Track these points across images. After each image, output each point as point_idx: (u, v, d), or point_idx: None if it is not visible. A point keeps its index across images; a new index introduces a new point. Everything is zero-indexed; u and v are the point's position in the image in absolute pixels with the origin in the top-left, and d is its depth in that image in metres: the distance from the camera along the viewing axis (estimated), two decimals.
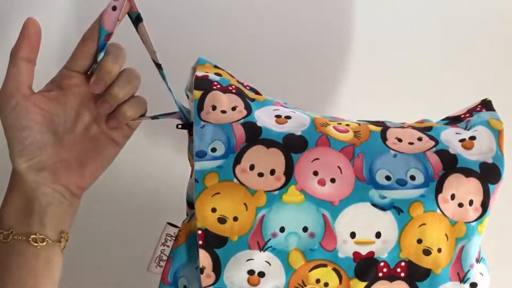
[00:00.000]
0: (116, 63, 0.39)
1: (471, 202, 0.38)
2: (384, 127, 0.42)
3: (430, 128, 0.42)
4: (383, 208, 0.38)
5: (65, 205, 0.41)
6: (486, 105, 0.44)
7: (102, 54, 0.39)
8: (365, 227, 0.38)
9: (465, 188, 0.38)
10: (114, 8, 0.39)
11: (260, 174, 0.38)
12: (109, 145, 0.43)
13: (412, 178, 0.38)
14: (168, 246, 0.41)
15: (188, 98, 0.44)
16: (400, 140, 0.40)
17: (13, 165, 0.40)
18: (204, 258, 0.38)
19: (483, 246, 0.41)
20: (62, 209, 0.41)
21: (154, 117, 0.43)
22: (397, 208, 0.38)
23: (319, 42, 0.60)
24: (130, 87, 0.41)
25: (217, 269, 0.38)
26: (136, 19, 0.41)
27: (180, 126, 0.44)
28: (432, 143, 0.40)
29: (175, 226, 0.42)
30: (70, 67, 0.41)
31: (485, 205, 0.38)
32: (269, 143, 0.39)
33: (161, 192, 0.60)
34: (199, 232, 0.38)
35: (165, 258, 0.41)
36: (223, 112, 0.40)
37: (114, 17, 0.39)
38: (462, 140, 0.40)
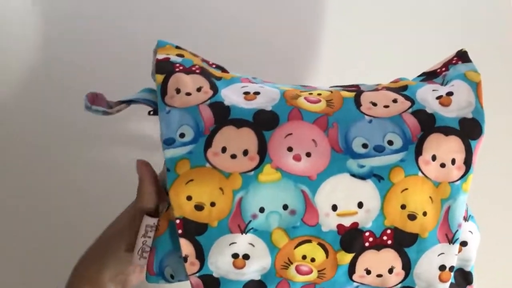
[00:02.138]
0: None
1: (453, 161, 0.37)
2: (357, 92, 0.40)
3: (405, 87, 0.41)
4: (362, 177, 0.36)
5: None
6: (462, 56, 0.42)
7: None
8: (346, 199, 0.37)
9: (445, 147, 0.37)
10: None
11: (233, 156, 0.37)
12: None
13: (390, 143, 0.37)
14: (150, 237, 0.40)
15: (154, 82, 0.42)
16: (374, 104, 0.39)
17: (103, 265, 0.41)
18: (186, 247, 0.37)
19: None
20: None
21: (130, 102, 0.41)
22: (377, 176, 0.36)
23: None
24: None
25: (201, 256, 0.38)
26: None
27: (151, 113, 0.42)
28: (408, 103, 0.39)
29: (154, 216, 0.41)
30: None
31: (468, 163, 0.37)
32: (239, 123, 0.37)
33: None
34: (177, 221, 0.37)
35: (148, 249, 0.40)
36: (188, 94, 0.38)
37: None
38: (439, 97, 0.39)
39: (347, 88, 0.43)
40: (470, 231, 0.40)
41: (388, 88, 0.41)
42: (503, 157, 0.61)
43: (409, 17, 0.63)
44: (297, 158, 0.37)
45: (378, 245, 0.37)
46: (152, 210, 0.41)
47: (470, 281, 0.40)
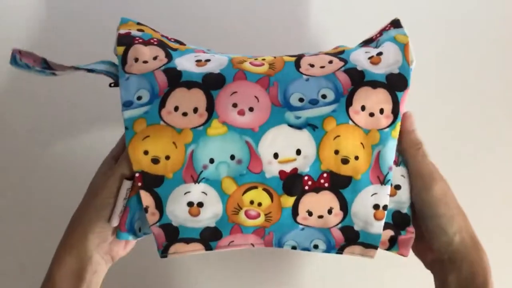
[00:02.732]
0: None
1: (381, 111, 0.42)
2: (298, 56, 0.45)
3: (342, 52, 0.45)
4: (299, 127, 0.41)
5: (102, 273, 0.44)
6: (395, 23, 0.47)
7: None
8: (285, 147, 0.41)
9: (374, 99, 0.41)
10: None
11: (184, 114, 0.41)
12: None
13: (324, 96, 0.41)
14: (127, 199, 0.44)
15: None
16: (312, 65, 0.43)
17: (86, 230, 0.43)
18: (146, 198, 0.42)
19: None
20: (100, 279, 0.44)
21: (90, 70, 0.45)
22: (311, 125, 0.41)
23: None
24: None
25: (159, 206, 0.42)
26: None
27: (112, 85, 0.47)
28: (342, 63, 0.43)
29: (132, 179, 0.45)
30: None
31: (395, 112, 0.42)
32: (190, 84, 0.42)
33: None
34: (137, 175, 0.41)
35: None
36: (145, 62, 0.43)
37: None
38: (370, 57, 0.43)
39: (290, 55, 0.47)
40: (402, 175, 0.44)
41: (327, 53, 0.46)
42: (504, 157, 0.63)
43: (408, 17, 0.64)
44: (241, 112, 0.41)
45: (317, 188, 0.42)
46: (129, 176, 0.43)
47: (407, 222, 0.44)
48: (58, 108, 0.60)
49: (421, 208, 0.43)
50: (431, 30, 0.62)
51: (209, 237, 0.43)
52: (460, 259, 0.42)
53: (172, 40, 0.48)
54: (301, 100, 0.41)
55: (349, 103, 0.41)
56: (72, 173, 0.59)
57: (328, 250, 0.44)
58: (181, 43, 0.48)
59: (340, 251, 0.44)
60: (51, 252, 0.43)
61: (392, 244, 0.44)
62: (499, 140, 0.62)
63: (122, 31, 0.45)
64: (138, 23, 0.47)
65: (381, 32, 0.47)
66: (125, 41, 0.44)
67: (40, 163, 0.60)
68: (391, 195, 0.43)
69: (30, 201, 0.60)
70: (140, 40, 0.44)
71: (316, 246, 0.44)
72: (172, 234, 0.43)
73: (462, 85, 0.62)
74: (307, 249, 0.44)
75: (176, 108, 0.41)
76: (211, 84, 0.42)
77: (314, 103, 0.41)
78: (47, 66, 0.42)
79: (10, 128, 0.60)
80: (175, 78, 0.42)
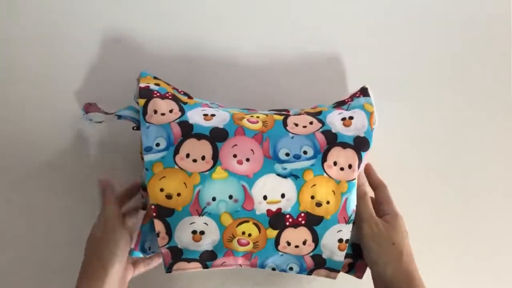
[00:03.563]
0: None
1: (350, 166, 0.53)
2: (286, 116, 0.56)
3: (320, 113, 0.56)
4: (284, 176, 0.52)
5: None
6: (363, 92, 0.58)
7: None
8: (273, 191, 0.52)
9: (344, 157, 0.53)
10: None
11: (194, 160, 0.51)
12: None
13: (305, 152, 0.53)
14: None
15: (137, 104, 0.56)
16: (296, 125, 0.54)
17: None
18: (158, 225, 0.52)
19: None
20: None
21: (119, 117, 0.55)
22: (294, 175, 0.52)
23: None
24: None
25: (169, 232, 0.52)
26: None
27: (135, 128, 0.56)
28: (320, 125, 0.54)
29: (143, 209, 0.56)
30: None
31: (360, 166, 0.53)
32: (200, 136, 0.52)
33: None
34: (152, 207, 0.51)
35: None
36: (163, 114, 0.53)
37: None
38: (343, 119, 0.55)
39: (280, 111, 0.58)
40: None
41: (308, 113, 0.57)
42: (504, 157, 0.67)
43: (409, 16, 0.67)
44: (240, 162, 0.52)
45: (295, 224, 0.53)
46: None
47: (360, 255, 0.56)
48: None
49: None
50: (431, 30, 0.68)
51: (207, 258, 0.54)
52: None
53: (182, 92, 0.58)
54: (287, 154, 0.52)
55: (324, 159, 0.52)
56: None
57: (300, 272, 0.56)
58: (188, 96, 0.58)
59: (310, 273, 0.56)
60: None
61: (350, 268, 0.56)
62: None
63: (142, 85, 0.55)
64: (155, 77, 0.57)
65: (352, 97, 0.58)
66: (145, 94, 0.54)
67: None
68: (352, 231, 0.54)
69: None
70: (158, 94, 0.54)
71: (291, 268, 0.55)
72: (177, 255, 0.53)
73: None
74: (284, 271, 0.56)
75: (187, 155, 0.51)
76: (217, 137, 0.52)
77: (297, 157, 0.52)
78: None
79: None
80: (188, 130, 0.52)
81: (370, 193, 0.57)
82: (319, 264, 0.55)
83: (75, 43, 0.65)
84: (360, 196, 0.54)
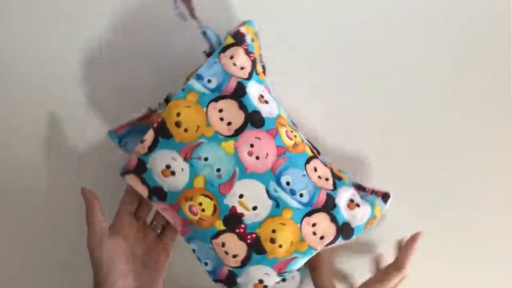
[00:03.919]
0: None
1: (322, 237, 0.53)
2: (314, 155, 0.55)
3: (340, 179, 0.56)
4: (270, 196, 0.52)
5: None
6: (384, 196, 0.58)
7: None
8: (251, 198, 0.52)
9: (325, 226, 0.53)
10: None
11: (221, 119, 0.51)
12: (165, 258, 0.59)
13: (301, 195, 0.52)
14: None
15: (224, 39, 0.56)
16: (315, 169, 0.54)
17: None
18: (150, 136, 0.52)
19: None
20: None
21: (204, 33, 0.55)
22: (277, 202, 0.52)
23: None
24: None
25: (151, 148, 0.52)
26: None
27: (205, 52, 0.56)
28: (331, 188, 0.54)
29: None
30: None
31: (329, 244, 0.53)
32: (242, 106, 0.52)
33: None
34: (159, 119, 0.52)
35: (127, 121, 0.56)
36: (234, 65, 0.53)
37: None
38: (351, 200, 0.55)
39: (312, 148, 0.58)
40: (293, 277, 0.56)
41: (332, 170, 0.57)
42: (505, 157, 0.66)
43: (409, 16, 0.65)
44: (250, 154, 0.51)
45: (241, 236, 0.53)
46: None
47: None
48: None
49: None
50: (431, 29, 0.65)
51: (157, 194, 0.54)
52: None
53: (262, 63, 0.58)
54: (287, 183, 0.52)
55: (309, 214, 0.52)
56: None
57: (209, 273, 0.56)
58: (264, 70, 0.58)
59: (215, 280, 0.56)
60: None
61: None
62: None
63: (242, 30, 0.55)
64: (255, 33, 0.57)
65: (371, 192, 0.58)
66: (238, 38, 0.54)
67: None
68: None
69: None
70: (245, 47, 0.54)
71: (206, 264, 0.55)
72: (140, 170, 0.53)
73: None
74: (199, 259, 0.56)
75: (220, 110, 0.51)
76: (253, 120, 0.52)
77: (292, 193, 0.52)
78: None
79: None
80: (239, 94, 0.52)
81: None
82: (230, 283, 0.55)
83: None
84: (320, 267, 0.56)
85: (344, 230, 0.53)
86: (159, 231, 0.59)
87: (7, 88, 0.64)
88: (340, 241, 0.54)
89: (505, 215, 0.66)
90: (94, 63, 0.63)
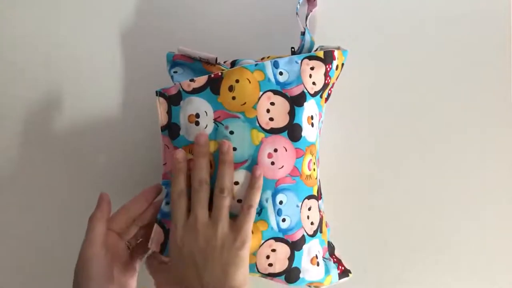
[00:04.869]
0: None
1: (270, 264, 0.52)
2: (316, 197, 0.55)
3: (321, 232, 0.57)
4: (259, 202, 0.52)
5: None
6: (344, 272, 0.58)
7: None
8: (242, 190, 0.51)
9: (280, 257, 0.52)
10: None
11: (268, 110, 0.51)
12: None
13: (284, 220, 0.52)
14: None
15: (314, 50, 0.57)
16: (309, 209, 0.54)
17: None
18: (201, 80, 0.53)
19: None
20: None
21: (303, 33, 0.55)
22: (261, 211, 0.52)
23: None
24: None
25: (195, 91, 0.53)
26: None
27: (293, 49, 0.57)
28: (311, 233, 0.55)
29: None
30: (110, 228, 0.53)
31: (269, 275, 0.53)
32: (291, 113, 0.52)
33: None
34: (219, 73, 0.52)
35: None
36: (310, 76, 0.53)
37: None
38: (316, 256, 0.55)
39: (319, 190, 0.58)
40: None
41: (321, 219, 0.57)
42: (505, 157, 0.66)
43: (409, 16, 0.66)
44: (269, 156, 0.51)
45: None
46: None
47: None
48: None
49: None
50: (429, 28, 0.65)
51: (171, 130, 0.54)
52: None
53: (330, 92, 0.58)
54: (280, 202, 0.52)
55: (276, 239, 0.52)
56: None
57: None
58: (327, 98, 0.59)
59: None
60: None
61: None
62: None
63: (335, 53, 0.55)
64: (342, 64, 0.57)
65: (336, 261, 0.58)
66: (327, 57, 0.54)
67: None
68: None
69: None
70: (328, 69, 0.55)
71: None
72: (174, 101, 0.54)
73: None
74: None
75: (272, 103, 0.52)
76: (293, 132, 0.52)
77: (278, 213, 0.52)
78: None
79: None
80: (296, 101, 0.52)
81: None
82: None
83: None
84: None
85: (292, 273, 0.53)
86: (130, 248, 0.56)
87: (7, 88, 0.66)
88: (279, 280, 0.54)
89: (505, 215, 0.66)
90: (96, 62, 0.65)
